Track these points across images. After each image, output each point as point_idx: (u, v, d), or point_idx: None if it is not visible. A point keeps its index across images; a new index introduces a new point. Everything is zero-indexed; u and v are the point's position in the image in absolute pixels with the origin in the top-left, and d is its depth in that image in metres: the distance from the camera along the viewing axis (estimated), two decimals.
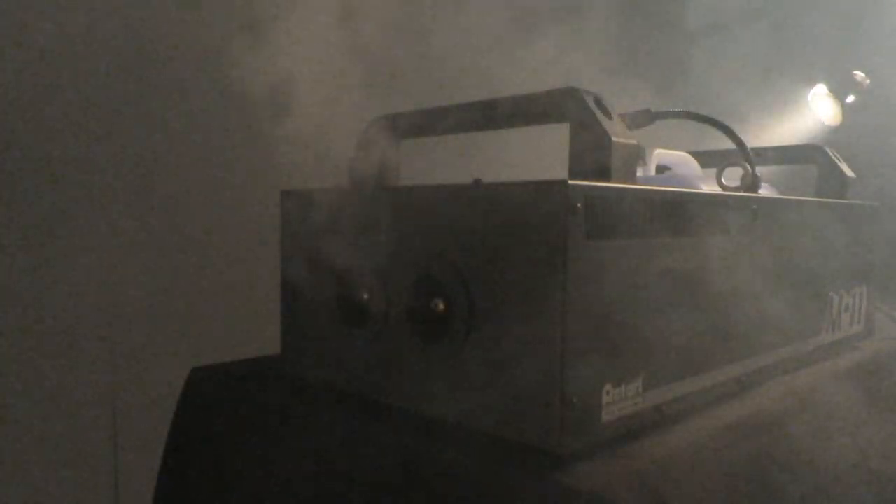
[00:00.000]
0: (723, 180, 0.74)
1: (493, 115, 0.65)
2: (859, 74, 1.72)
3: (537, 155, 1.42)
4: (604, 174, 0.56)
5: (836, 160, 0.97)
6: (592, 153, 0.56)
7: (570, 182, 0.49)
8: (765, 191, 0.79)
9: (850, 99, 1.67)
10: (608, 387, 0.53)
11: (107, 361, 1.14)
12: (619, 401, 0.54)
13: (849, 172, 0.97)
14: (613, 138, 0.56)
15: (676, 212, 0.59)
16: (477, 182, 0.55)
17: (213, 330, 1.24)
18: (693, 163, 1.00)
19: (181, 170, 1.21)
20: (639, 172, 0.78)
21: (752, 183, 0.72)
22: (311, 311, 0.69)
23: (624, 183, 0.55)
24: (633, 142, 0.57)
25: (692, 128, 0.81)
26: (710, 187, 0.76)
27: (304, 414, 0.67)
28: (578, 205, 0.50)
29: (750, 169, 0.73)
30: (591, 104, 0.57)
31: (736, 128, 0.76)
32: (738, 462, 0.62)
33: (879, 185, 1.19)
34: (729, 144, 0.76)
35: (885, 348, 0.95)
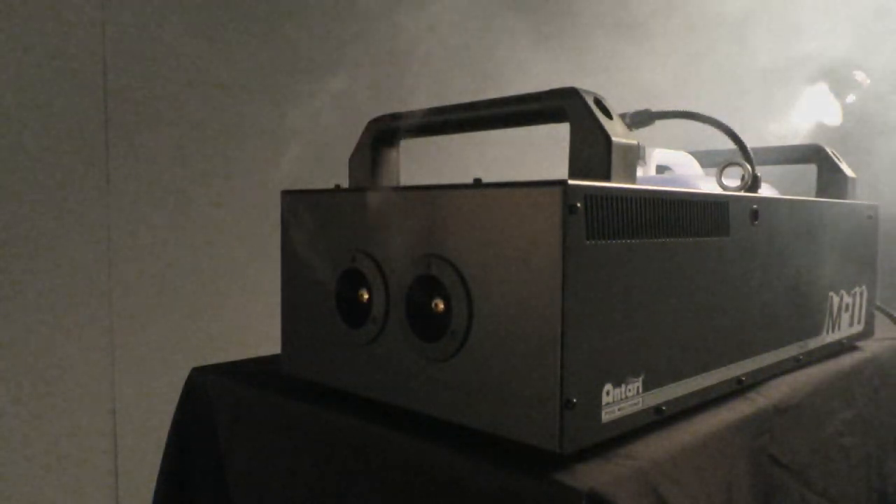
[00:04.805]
0: (723, 180, 0.74)
1: (493, 114, 0.65)
2: (859, 74, 1.72)
3: (537, 155, 1.42)
4: (604, 174, 0.56)
5: (836, 160, 0.97)
6: (592, 153, 0.56)
7: (570, 182, 0.49)
8: (765, 191, 0.79)
9: (850, 99, 1.67)
10: (608, 387, 0.53)
11: (107, 361, 1.14)
12: (619, 401, 0.54)
13: (849, 172, 0.97)
14: (613, 138, 0.56)
15: (676, 212, 0.59)
16: (477, 182, 0.55)
17: (213, 330, 1.25)
18: (693, 163, 1.00)
19: (182, 169, 1.21)
20: (639, 172, 0.78)
21: (752, 183, 0.72)
22: (311, 311, 0.69)
23: (624, 183, 0.55)
24: (633, 142, 0.57)
25: (692, 128, 0.81)
26: (710, 187, 0.76)
27: (304, 414, 0.67)
28: (578, 205, 0.50)
29: (750, 169, 0.73)
30: (591, 104, 0.57)
31: (736, 128, 0.76)
32: (738, 462, 0.62)
33: (879, 185, 1.19)
34: (729, 144, 0.76)
35: (885, 348, 0.95)
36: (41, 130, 1.06)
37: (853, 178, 0.97)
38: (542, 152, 1.31)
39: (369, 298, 0.63)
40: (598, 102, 0.58)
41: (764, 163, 0.91)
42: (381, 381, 0.62)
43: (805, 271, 0.80)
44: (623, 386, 0.54)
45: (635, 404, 0.56)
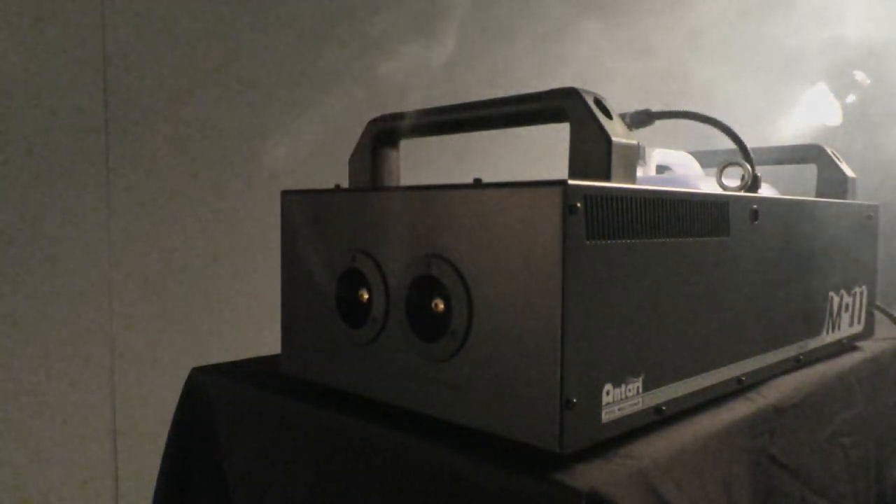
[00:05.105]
0: (723, 180, 0.74)
1: (493, 115, 0.65)
2: (859, 74, 1.72)
3: (537, 155, 1.42)
4: (604, 174, 0.56)
5: (836, 160, 0.97)
6: (592, 153, 0.56)
7: (570, 182, 0.49)
8: (765, 191, 0.79)
9: (851, 99, 1.67)
10: (608, 387, 0.53)
11: (107, 361, 1.14)
12: (619, 401, 0.54)
13: (849, 172, 0.97)
14: (613, 138, 0.56)
15: (676, 212, 0.59)
16: (477, 182, 0.55)
17: (214, 330, 1.25)
18: (693, 163, 1.00)
19: (182, 169, 1.21)
20: (639, 172, 0.78)
21: (752, 183, 0.73)
22: (311, 311, 0.69)
23: (624, 183, 0.55)
24: (633, 142, 0.57)
25: (691, 128, 0.81)
26: (710, 187, 0.76)
27: (304, 414, 0.67)
28: (578, 205, 0.50)
29: (750, 169, 0.73)
30: (591, 104, 0.57)
31: (735, 127, 0.76)
32: (738, 462, 0.62)
33: (879, 185, 1.19)
34: (729, 144, 0.76)
35: (885, 348, 0.95)
36: (41, 130, 1.06)
37: (853, 178, 0.97)
38: (543, 152, 1.31)
39: (369, 298, 0.63)
40: (598, 102, 0.58)
41: (764, 163, 0.92)
42: (381, 381, 0.62)
43: (805, 271, 0.80)
44: (623, 386, 0.54)
45: (635, 404, 0.56)
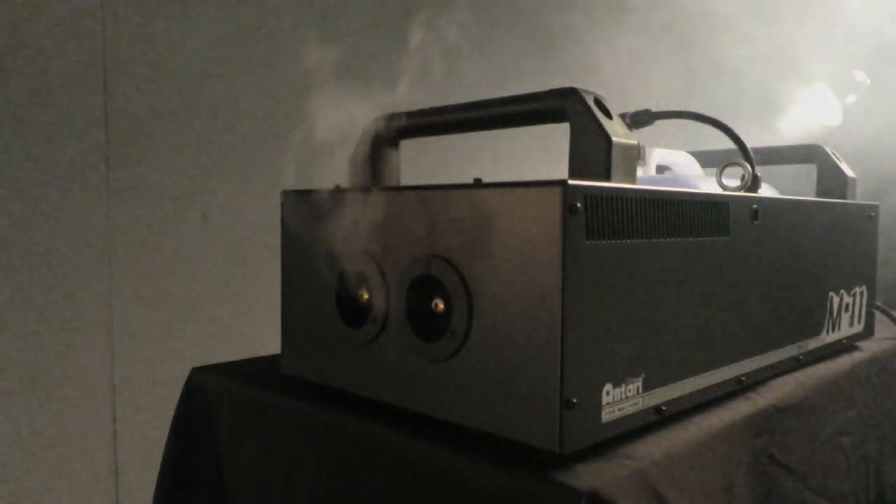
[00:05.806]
0: (723, 180, 0.74)
1: (493, 115, 0.65)
2: (859, 74, 1.72)
3: (537, 155, 1.42)
4: (604, 174, 0.56)
5: (836, 160, 0.97)
6: (592, 153, 0.56)
7: (570, 182, 0.49)
8: (765, 191, 0.79)
9: (851, 99, 1.67)
10: (608, 387, 0.53)
11: (107, 361, 1.14)
12: (619, 401, 0.54)
13: (849, 172, 0.97)
14: (613, 138, 0.56)
15: (676, 212, 0.59)
16: (477, 182, 0.55)
17: (214, 330, 1.25)
18: (693, 163, 1.00)
19: (182, 169, 1.21)
20: (639, 172, 0.78)
21: (752, 183, 0.73)
22: (311, 311, 0.69)
23: (624, 183, 0.55)
24: (633, 142, 0.57)
25: (692, 128, 0.81)
26: (710, 187, 0.76)
27: (304, 414, 0.67)
28: (578, 205, 0.50)
29: (750, 169, 0.73)
30: (591, 104, 0.57)
31: (736, 128, 0.76)
32: (739, 462, 0.62)
33: (879, 185, 1.19)
34: (729, 144, 0.76)
35: (886, 348, 0.95)
36: (41, 131, 1.06)
37: (853, 178, 0.97)
38: (544, 151, 1.31)
39: (369, 298, 0.63)
40: (598, 102, 0.58)
41: (764, 163, 0.92)
42: (381, 381, 0.62)
43: (805, 271, 0.80)
44: (623, 386, 0.54)
45: (635, 404, 0.56)
